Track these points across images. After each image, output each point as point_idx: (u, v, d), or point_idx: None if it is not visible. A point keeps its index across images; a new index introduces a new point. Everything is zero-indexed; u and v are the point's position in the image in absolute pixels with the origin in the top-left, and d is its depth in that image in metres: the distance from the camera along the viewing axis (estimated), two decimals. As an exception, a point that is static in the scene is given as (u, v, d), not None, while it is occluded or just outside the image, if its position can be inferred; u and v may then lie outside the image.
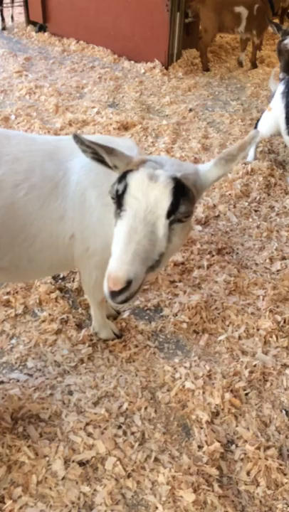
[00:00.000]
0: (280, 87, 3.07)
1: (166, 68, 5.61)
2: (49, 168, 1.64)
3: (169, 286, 2.48)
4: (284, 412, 1.88)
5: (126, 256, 1.19)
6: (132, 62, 5.78)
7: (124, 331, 2.19)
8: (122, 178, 1.26)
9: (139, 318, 2.30)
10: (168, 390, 1.94)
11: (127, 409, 1.85)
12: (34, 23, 6.73)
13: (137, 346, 2.13)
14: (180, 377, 1.98)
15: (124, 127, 4.18)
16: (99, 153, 1.32)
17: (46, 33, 6.56)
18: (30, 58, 5.67)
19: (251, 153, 3.60)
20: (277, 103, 3.08)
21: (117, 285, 1.18)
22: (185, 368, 2.02)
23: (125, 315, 2.28)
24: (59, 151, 1.69)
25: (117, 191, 1.26)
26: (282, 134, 3.18)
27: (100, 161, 1.35)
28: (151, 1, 5.37)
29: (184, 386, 1.93)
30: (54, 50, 6.03)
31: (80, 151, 1.38)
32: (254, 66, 5.94)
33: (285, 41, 3.64)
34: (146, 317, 2.31)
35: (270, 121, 3.22)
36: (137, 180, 1.24)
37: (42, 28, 6.63)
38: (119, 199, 1.25)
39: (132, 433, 1.76)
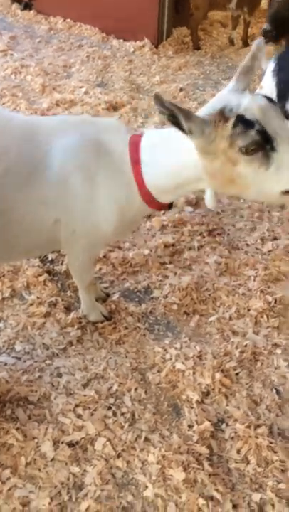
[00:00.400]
0: (271, 65, 2.99)
1: (156, 47, 5.49)
2: (26, 150, 1.55)
3: (159, 267, 2.45)
4: (274, 390, 1.88)
5: None
6: (121, 40, 5.64)
7: (113, 313, 2.17)
8: (245, 124, 1.27)
9: (129, 300, 2.28)
10: (158, 371, 1.93)
11: (116, 390, 1.84)
12: (19, 1, 6.53)
13: (126, 328, 2.11)
14: (170, 358, 1.97)
15: (114, 107, 4.10)
16: (176, 116, 1.27)
17: (32, 11, 6.37)
18: (16, 37, 5.51)
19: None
20: (268, 81, 3.01)
21: None
22: (175, 348, 2.01)
23: (115, 297, 2.26)
24: (38, 132, 1.59)
25: (257, 131, 1.26)
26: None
27: (176, 124, 1.30)
28: (139, -24, 5.23)
29: (174, 367, 1.92)
30: (40, 29, 5.87)
31: (62, 132, 1.33)
32: (246, 44, 5.83)
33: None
34: (136, 299, 2.29)
35: (261, 99, 3.16)
36: (264, 110, 1.29)
37: (27, 6, 6.43)
38: (262, 138, 1.27)
39: (122, 414, 1.76)
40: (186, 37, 5.79)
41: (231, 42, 5.89)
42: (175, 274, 2.40)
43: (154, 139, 1.58)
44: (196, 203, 2.95)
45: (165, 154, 1.52)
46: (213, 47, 5.79)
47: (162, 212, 2.85)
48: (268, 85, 3.05)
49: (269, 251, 2.57)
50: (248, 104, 1.29)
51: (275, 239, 2.66)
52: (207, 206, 1.56)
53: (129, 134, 1.63)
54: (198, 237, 2.64)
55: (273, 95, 3.00)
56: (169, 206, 1.70)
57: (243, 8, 5.49)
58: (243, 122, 1.27)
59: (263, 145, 1.28)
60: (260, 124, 1.27)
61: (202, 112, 1.36)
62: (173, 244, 2.60)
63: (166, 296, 2.27)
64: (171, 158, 1.50)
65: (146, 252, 2.53)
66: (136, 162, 1.57)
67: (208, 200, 1.52)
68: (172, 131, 1.39)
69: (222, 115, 1.29)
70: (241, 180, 1.35)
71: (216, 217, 2.83)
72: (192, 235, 2.66)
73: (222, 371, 1.91)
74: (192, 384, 1.86)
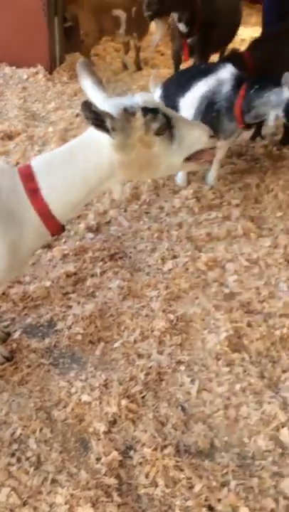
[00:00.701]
0: (158, 92, 3.15)
1: (50, 73, 5.51)
2: None
3: (62, 298, 2.43)
4: (180, 408, 1.93)
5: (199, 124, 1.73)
6: (14, 68, 5.59)
7: (15, 352, 2.11)
8: (151, 111, 1.51)
9: (32, 336, 2.22)
10: (64, 407, 1.90)
11: (20, 434, 1.77)
12: None
13: (29, 366, 2.06)
14: (76, 392, 1.95)
15: (8, 137, 4.03)
16: (100, 118, 1.42)
17: None
18: None
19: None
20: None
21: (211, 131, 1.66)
22: (81, 380, 1.99)
23: (16, 335, 2.19)
24: None
25: (164, 116, 1.54)
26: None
27: (99, 125, 1.44)
28: (27, 5, 5.22)
29: (80, 400, 1.90)
30: None
31: None
32: (139, 68, 6.06)
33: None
34: (40, 334, 2.24)
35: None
36: (153, 100, 1.59)
37: None
38: (166, 119, 1.55)
39: (27, 458, 1.70)
40: (80, 63, 5.88)
41: (125, 66, 6.09)
42: (78, 303, 2.39)
43: (47, 162, 1.62)
44: (97, 228, 2.97)
45: (69, 169, 1.58)
46: (107, 71, 5.94)
47: (63, 241, 2.84)
48: (155, 110, 3.18)
49: (169, 270, 2.66)
50: (145, 98, 1.56)
51: (174, 257, 2.75)
52: (116, 199, 1.66)
53: (13, 168, 1.64)
54: (100, 263, 2.66)
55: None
56: (63, 228, 1.73)
57: (132, 34, 5.71)
58: (150, 111, 1.53)
59: (168, 124, 1.56)
60: (160, 109, 1.55)
61: None
62: (75, 273, 2.59)
63: (70, 327, 2.25)
64: (78, 169, 1.58)
65: (48, 283, 2.49)
66: (34, 191, 1.58)
67: (117, 194, 1.69)
68: (66, 146, 1.63)
69: (127, 112, 1.51)
70: (155, 159, 1.61)
71: (118, 242, 2.87)
72: (94, 261, 2.68)
73: (128, 397, 1.92)
74: (99, 415, 1.85)
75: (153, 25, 5.62)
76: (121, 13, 5.52)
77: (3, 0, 5.31)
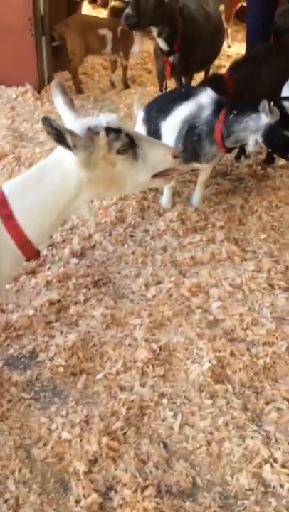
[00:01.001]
0: (140, 114, 3.16)
1: (39, 92, 5.53)
2: None
3: (45, 328, 2.40)
4: (162, 444, 1.90)
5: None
6: (3, 87, 5.60)
7: (-5, 386, 2.07)
8: (114, 131, 1.60)
9: (14, 368, 2.19)
10: (44, 445, 1.87)
11: (-1, 475, 1.74)
12: None
13: (10, 401, 2.02)
14: (57, 428, 1.91)
15: (-2, 156, 4.02)
16: (61, 135, 1.48)
17: None
18: None
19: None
20: (140, 130, 3.17)
21: (176, 152, 1.77)
22: (61, 416, 1.96)
23: (-3, 368, 2.16)
24: None
25: (126, 136, 1.63)
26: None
27: (61, 141, 1.51)
28: (14, 25, 5.25)
29: (60, 437, 1.87)
30: None
31: None
32: (126, 86, 6.09)
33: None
34: (21, 366, 2.21)
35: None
36: (116, 121, 1.64)
37: None
38: (129, 138, 1.64)
39: (5, 501, 1.66)
40: (67, 81, 5.90)
41: (112, 84, 6.12)
42: (61, 332, 2.37)
43: (19, 186, 1.65)
44: (82, 253, 2.96)
45: (40, 191, 1.62)
46: (95, 90, 5.97)
47: (47, 267, 2.82)
48: (139, 134, 3.19)
49: (153, 296, 2.64)
50: (108, 118, 1.62)
51: (158, 283, 2.74)
52: (87, 218, 1.79)
53: None
54: (84, 290, 2.64)
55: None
56: (38, 253, 1.75)
57: (118, 53, 5.75)
58: (112, 130, 1.60)
59: (131, 144, 1.64)
60: (123, 129, 1.63)
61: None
62: (59, 301, 2.57)
63: (52, 359, 2.22)
64: (48, 190, 1.63)
65: (31, 312, 2.47)
66: (8, 217, 1.60)
67: (87, 213, 1.78)
68: (35, 168, 1.67)
69: (91, 131, 1.58)
70: (120, 177, 1.68)
71: (102, 267, 2.86)
72: (78, 288, 2.66)
73: (109, 434, 1.89)
74: (79, 453, 1.82)
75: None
76: (107, 32, 5.56)
77: (-9, 20, 5.35)
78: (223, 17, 6.24)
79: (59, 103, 1.76)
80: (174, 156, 1.74)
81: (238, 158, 4.11)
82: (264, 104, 2.48)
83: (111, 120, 1.64)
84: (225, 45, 7.84)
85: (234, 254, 2.97)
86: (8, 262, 1.68)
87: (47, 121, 1.46)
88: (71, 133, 1.51)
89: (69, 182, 1.63)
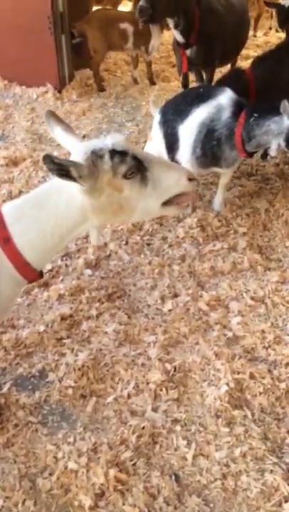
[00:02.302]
0: (157, 117, 3.01)
1: (60, 92, 5.45)
2: None
3: (55, 345, 2.32)
4: (173, 477, 1.79)
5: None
6: (24, 87, 5.56)
7: (2, 409, 2.01)
8: (119, 154, 1.48)
9: (22, 389, 2.12)
10: (50, 474, 1.79)
11: (2, 507, 1.67)
12: None
13: (16, 426, 1.95)
14: (63, 457, 1.83)
15: (13, 163, 3.97)
16: (64, 169, 1.40)
17: None
18: None
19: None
20: (156, 132, 3.03)
21: (192, 174, 1.62)
22: (68, 444, 1.88)
23: (5, 389, 2.09)
24: None
25: (131, 157, 1.49)
26: (165, 163, 3.13)
27: (64, 175, 1.41)
28: (33, 24, 5.19)
29: (66, 467, 1.79)
30: None
31: None
32: (152, 83, 5.92)
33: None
34: (30, 386, 2.14)
35: (152, 150, 3.15)
36: (123, 142, 1.53)
37: None
38: (136, 162, 1.50)
39: (7, 537, 1.59)
40: (89, 79, 5.80)
41: (135, 81, 5.97)
42: (72, 350, 2.28)
43: (18, 209, 1.58)
44: (96, 263, 2.86)
45: (41, 215, 1.55)
46: (117, 87, 5.83)
47: (60, 279, 2.74)
48: (157, 137, 3.06)
49: (169, 310, 2.51)
50: (114, 140, 1.51)
51: (175, 296, 2.61)
52: (94, 244, 1.77)
53: None
54: (97, 304, 2.54)
55: (163, 146, 3.01)
56: (41, 274, 1.68)
57: (140, 48, 5.58)
58: (118, 153, 1.48)
59: (139, 167, 1.51)
60: (130, 151, 1.50)
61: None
62: (71, 315, 2.48)
63: (62, 380, 2.14)
64: (50, 214, 1.54)
65: (42, 328, 2.39)
66: (7, 240, 1.54)
67: (95, 239, 1.71)
68: (37, 191, 1.59)
69: (96, 155, 1.47)
70: (128, 203, 1.56)
71: (117, 278, 2.75)
72: (90, 302, 2.56)
73: (117, 465, 1.79)
74: (85, 485, 1.73)
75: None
76: (128, 26, 5.41)
77: (11, 20, 5.30)
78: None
79: (58, 132, 1.64)
80: (190, 179, 1.58)
81: (264, 156, 3.90)
82: (285, 105, 2.29)
83: (117, 141, 1.52)
84: (251, 33, 7.55)
85: (257, 263, 2.80)
86: (7, 284, 1.61)
87: (48, 159, 1.37)
88: (75, 165, 1.41)
89: (73, 208, 1.53)
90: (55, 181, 1.57)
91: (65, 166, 1.39)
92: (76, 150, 1.53)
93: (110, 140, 1.52)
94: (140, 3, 3.49)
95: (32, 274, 1.62)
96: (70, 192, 1.51)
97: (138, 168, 1.51)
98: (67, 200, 1.53)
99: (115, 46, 5.56)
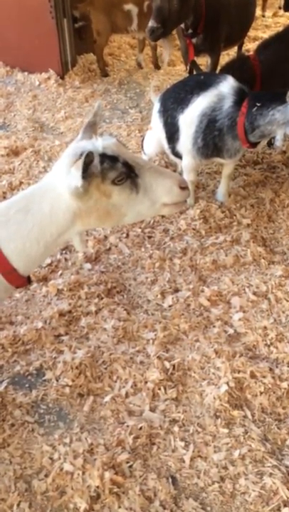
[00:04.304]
0: (156, 106, 2.92)
1: (62, 78, 5.34)
2: None
3: (53, 342, 2.29)
4: (170, 479, 1.76)
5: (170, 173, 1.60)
6: (26, 73, 5.45)
7: (-1, 408, 1.99)
8: (110, 159, 1.43)
9: (19, 387, 2.10)
10: (45, 476, 1.77)
11: (-3, 510, 1.65)
12: None
13: (13, 425, 1.93)
14: (59, 458, 1.81)
15: (14, 152, 3.91)
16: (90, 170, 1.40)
17: None
18: None
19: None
20: (156, 122, 2.93)
21: (185, 183, 1.56)
22: (64, 444, 1.85)
23: (2, 387, 2.07)
24: None
25: (121, 163, 1.45)
26: (166, 152, 3.04)
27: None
28: (34, 8, 5.06)
29: (62, 469, 1.76)
30: None
31: None
32: (156, 67, 5.78)
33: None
34: (27, 385, 2.12)
35: (153, 140, 3.07)
36: (114, 146, 1.48)
37: None
38: (126, 168, 1.46)
39: None
40: (92, 64, 5.67)
41: (139, 65, 5.82)
42: (70, 348, 2.24)
43: (3, 213, 1.52)
44: (96, 257, 2.81)
45: (25, 219, 1.50)
46: (121, 72, 5.70)
47: (59, 273, 2.69)
48: (157, 126, 2.98)
49: (170, 306, 2.46)
50: (105, 144, 1.46)
51: (176, 291, 2.55)
52: (79, 251, 1.69)
53: None
54: (96, 300, 2.49)
55: (163, 136, 2.93)
56: (29, 279, 1.64)
57: (144, 30, 5.40)
58: (108, 158, 1.44)
59: (129, 173, 1.47)
60: (121, 157, 1.46)
61: (62, 162, 1.49)
62: (69, 311, 2.44)
63: (59, 378, 2.11)
64: (35, 219, 1.49)
65: (40, 324, 2.35)
66: None
67: (78, 246, 1.63)
68: (22, 194, 1.54)
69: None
70: (116, 209, 1.51)
71: (117, 273, 2.70)
72: (89, 297, 2.51)
73: (113, 467, 1.76)
74: (81, 488, 1.70)
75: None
76: (132, 8, 5.25)
77: (11, 4, 5.17)
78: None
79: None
80: (182, 188, 1.53)
81: (270, 144, 3.78)
82: None
83: (108, 145, 1.46)
84: (260, 13, 7.31)
85: (261, 256, 2.72)
86: None
87: (88, 158, 1.36)
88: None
89: (59, 213, 1.48)
90: (41, 184, 1.53)
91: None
92: (66, 151, 1.50)
93: (101, 143, 1.46)
94: (150, 24, 3.31)
95: (19, 281, 1.58)
96: (56, 195, 1.47)
97: (128, 174, 1.47)
98: (52, 203, 1.48)
99: (119, 28, 5.41)
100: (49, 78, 5.31)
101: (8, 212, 1.50)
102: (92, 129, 1.60)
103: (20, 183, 3.48)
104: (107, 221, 1.56)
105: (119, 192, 1.47)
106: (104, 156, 1.43)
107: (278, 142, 2.45)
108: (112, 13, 5.27)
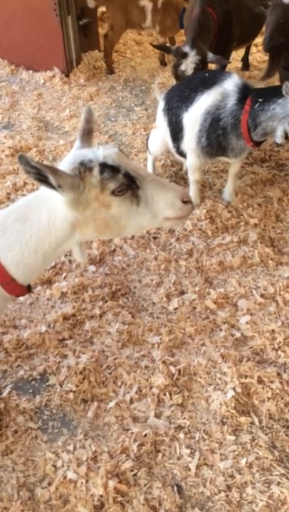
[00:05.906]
0: (161, 104, 2.86)
1: (67, 75, 5.29)
2: None
3: (57, 346, 2.26)
4: (176, 488, 1.72)
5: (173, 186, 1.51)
6: (31, 72, 5.41)
7: (2, 414, 1.97)
8: (111, 169, 1.37)
9: (22, 392, 2.07)
10: (49, 484, 1.75)
11: (-1, 519, 1.63)
12: None
13: (16, 432, 1.91)
14: (62, 466, 1.78)
15: (19, 152, 3.87)
16: (43, 174, 1.30)
17: None
18: None
19: (150, 167, 3.40)
20: (160, 120, 2.89)
21: (188, 196, 1.49)
22: (68, 452, 1.83)
23: (5, 393, 2.05)
24: None
25: (125, 176, 1.38)
26: (171, 151, 2.99)
27: (43, 181, 1.32)
28: (38, 6, 5.01)
29: (65, 477, 1.74)
30: None
31: None
32: (163, 64, 5.71)
33: (182, 67, 3.16)
34: (31, 390, 2.09)
35: (158, 139, 3.02)
36: (116, 156, 1.41)
37: None
38: (127, 179, 1.39)
39: None
40: (97, 61, 5.61)
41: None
42: (74, 352, 2.21)
43: (2, 222, 1.48)
44: (100, 259, 2.77)
45: (23, 228, 1.46)
46: (126, 69, 5.63)
47: (63, 276, 2.66)
48: (161, 124, 2.93)
49: (175, 309, 2.42)
50: (106, 153, 1.40)
51: (181, 293, 2.51)
52: (79, 261, 1.70)
53: None
54: (100, 303, 2.46)
55: (168, 135, 2.88)
56: (29, 288, 1.60)
57: (155, 26, 5.35)
58: (108, 168, 1.38)
59: (130, 185, 1.41)
60: (122, 167, 1.40)
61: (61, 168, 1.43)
62: (74, 315, 2.41)
63: (63, 383, 2.08)
64: (32, 228, 1.45)
65: (44, 328, 2.33)
66: None
67: (78, 256, 1.57)
68: (20, 203, 1.49)
69: (84, 166, 1.38)
70: (116, 221, 1.45)
71: (121, 275, 2.66)
72: (94, 300, 2.48)
73: (117, 475, 1.73)
74: (84, 497, 1.68)
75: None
76: (147, 3, 5.19)
77: (16, 3, 5.13)
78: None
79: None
80: (185, 202, 1.46)
81: (277, 141, 3.70)
82: (287, 86, 2.13)
83: (109, 154, 1.41)
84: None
85: (268, 257, 2.67)
86: None
87: (23, 160, 1.26)
88: (54, 172, 1.31)
89: (57, 222, 1.44)
90: (39, 192, 1.48)
91: (43, 172, 1.29)
92: (66, 158, 1.45)
93: (102, 152, 1.41)
94: (182, 67, 3.16)
95: (18, 290, 1.54)
96: (54, 204, 1.43)
97: (129, 185, 1.40)
98: (49, 213, 1.44)
99: (134, 24, 5.35)
100: (54, 76, 5.26)
101: (6, 221, 1.46)
102: (89, 136, 1.54)
103: (25, 183, 3.45)
104: (106, 232, 1.50)
105: (119, 203, 1.41)
106: (104, 166, 1.38)
107: (279, 139, 2.39)
108: (128, 9, 5.23)
